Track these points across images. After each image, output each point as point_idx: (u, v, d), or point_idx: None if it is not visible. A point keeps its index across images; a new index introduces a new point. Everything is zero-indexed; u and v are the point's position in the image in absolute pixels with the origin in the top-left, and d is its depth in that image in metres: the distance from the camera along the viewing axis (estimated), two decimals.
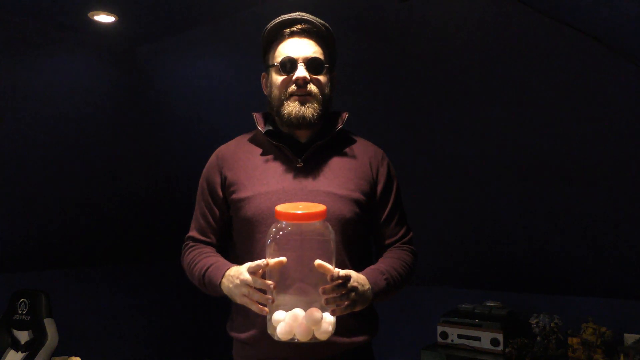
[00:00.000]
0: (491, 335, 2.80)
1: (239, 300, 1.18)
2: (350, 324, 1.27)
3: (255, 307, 1.13)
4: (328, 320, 1.11)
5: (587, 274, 2.78)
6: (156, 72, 2.92)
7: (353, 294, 1.12)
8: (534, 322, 2.81)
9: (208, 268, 1.30)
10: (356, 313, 1.29)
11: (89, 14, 2.31)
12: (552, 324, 2.75)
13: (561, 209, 2.60)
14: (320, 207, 1.13)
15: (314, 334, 1.10)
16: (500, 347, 2.77)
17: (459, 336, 2.89)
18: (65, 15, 2.34)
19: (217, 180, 1.40)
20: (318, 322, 1.09)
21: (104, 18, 2.35)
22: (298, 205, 1.15)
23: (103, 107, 2.96)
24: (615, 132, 2.23)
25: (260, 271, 1.13)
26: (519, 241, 2.84)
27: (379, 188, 1.38)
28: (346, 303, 1.11)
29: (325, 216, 1.13)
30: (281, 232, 1.12)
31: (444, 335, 2.94)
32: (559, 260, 2.81)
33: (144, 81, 2.95)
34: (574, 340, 2.65)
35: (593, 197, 2.47)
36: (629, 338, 2.65)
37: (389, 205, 1.39)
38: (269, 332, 1.13)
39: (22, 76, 2.57)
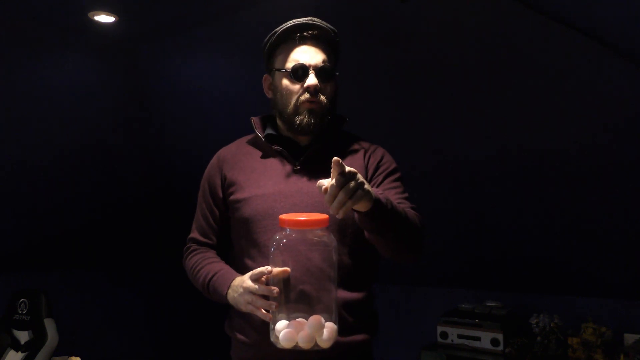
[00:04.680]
0: (491, 335, 2.80)
1: (244, 308, 1.20)
2: (350, 322, 1.27)
3: (260, 314, 1.15)
4: (331, 327, 1.12)
5: (587, 274, 2.78)
6: (156, 72, 2.92)
7: (359, 191, 1.05)
8: (534, 322, 2.81)
9: (213, 277, 1.32)
10: (355, 312, 1.29)
11: (89, 14, 2.30)
12: (552, 324, 2.75)
13: (561, 208, 2.60)
14: (322, 215, 1.14)
15: (316, 342, 1.11)
16: (500, 347, 2.77)
17: (459, 336, 2.89)
18: (65, 15, 2.34)
19: (218, 181, 1.42)
20: (321, 329, 1.10)
21: (104, 18, 2.35)
22: (301, 214, 1.18)
23: (103, 107, 2.96)
24: (615, 131, 2.23)
25: (264, 278, 1.15)
26: (519, 241, 2.84)
27: (370, 173, 1.37)
28: (351, 201, 1.04)
29: (328, 224, 1.13)
30: (284, 240, 1.14)
31: (444, 335, 2.94)
32: (559, 260, 2.82)
33: (144, 81, 2.95)
34: (574, 340, 2.65)
35: (593, 197, 2.47)
36: (629, 338, 2.65)
37: (382, 185, 1.36)
38: (272, 340, 1.14)
39: (22, 76, 2.57)
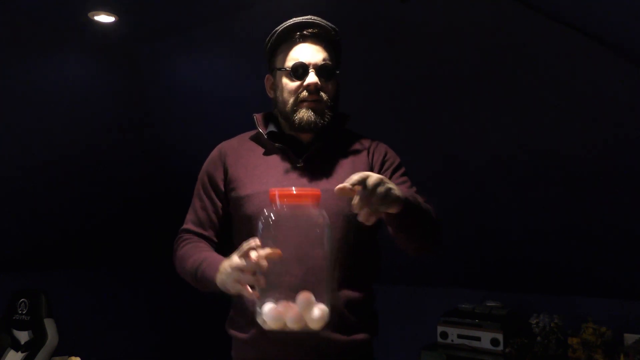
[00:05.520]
0: (491, 335, 2.80)
1: (232, 288, 1.12)
2: (349, 321, 1.27)
3: (246, 292, 1.08)
4: (321, 308, 1.05)
5: (587, 274, 2.78)
6: (156, 72, 2.92)
7: (389, 196, 1.04)
8: (534, 322, 2.81)
9: (202, 263, 1.26)
10: (357, 311, 1.29)
11: (89, 14, 2.30)
12: (552, 324, 2.75)
13: (561, 209, 2.60)
14: (315, 190, 1.08)
15: (306, 323, 1.03)
16: (500, 347, 2.77)
17: (459, 336, 2.89)
18: (65, 15, 2.34)
19: (220, 174, 1.40)
20: (310, 307, 1.03)
21: (104, 18, 2.35)
22: (292, 189, 1.09)
23: (103, 107, 2.96)
24: (615, 132, 2.23)
25: (252, 252, 1.07)
26: (520, 241, 2.84)
27: (375, 170, 1.37)
28: (384, 206, 1.03)
29: (319, 200, 1.08)
30: (275, 216, 1.06)
31: (444, 335, 2.94)
32: (559, 261, 2.82)
33: (144, 81, 2.95)
34: (574, 340, 2.65)
35: (593, 197, 2.47)
36: (629, 338, 2.65)
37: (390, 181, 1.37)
38: (259, 321, 1.06)
39: (22, 76, 2.57)
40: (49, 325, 2.81)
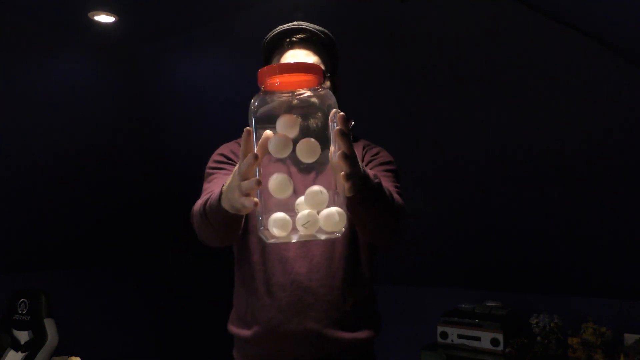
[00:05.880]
0: (491, 335, 2.80)
1: (239, 203, 0.92)
2: (352, 319, 1.27)
3: (248, 202, 0.89)
4: (336, 208, 0.86)
5: (587, 274, 2.79)
6: (156, 73, 2.92)
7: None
8: (534, 322, 2.81)
9: (209, 196, 1.15)
10: (358, 309, 1.29)
11: (89, 14, 2.31)
12: (552, 324, 2.75)
13: (561, 209, 2.60)
14: (313, 68, 0.85)
15: (323, 227, 0.83)
16: (500, 347, 2.77)
17: (459, 336, 2.89)
18: (65, 15, 2.34)
19: (231, 159, 1.38)
20: (322, 203, 0.84)
21: (104, 18, 2.35)
22: (288, 65, 0.86)
23: (103, 108, 2.96)
24: (615, 132, 2.23)
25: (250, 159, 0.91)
26: (519, 241, 2.84)
27: (363, 164, 1.35)
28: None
29: (320, 79, 0.90)
30: (256, 104, 0.86)
31: (444, 335, 2.94)
32: (559, 260, 2.82)
33: (144, 81, 2.95)
34: (574, 340, 2.65)
35: (593, 197, 2.47)
36: (629, 338, 2.65)
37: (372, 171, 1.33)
38: (260, 235, 0.89)
39: (22, 76, 2.57)
40: (49, 325, 2.81)
